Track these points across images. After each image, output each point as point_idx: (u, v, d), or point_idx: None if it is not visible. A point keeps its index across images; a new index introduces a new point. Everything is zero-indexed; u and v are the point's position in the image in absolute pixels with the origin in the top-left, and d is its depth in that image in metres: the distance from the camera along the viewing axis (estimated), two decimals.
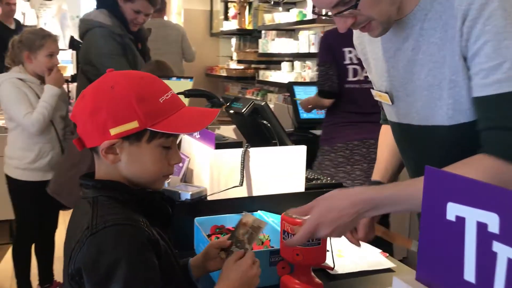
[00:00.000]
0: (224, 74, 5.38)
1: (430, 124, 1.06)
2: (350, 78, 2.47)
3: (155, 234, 0.89)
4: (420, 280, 0.62)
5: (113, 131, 0.88)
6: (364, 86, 2.42)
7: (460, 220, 0.56)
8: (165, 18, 4.78)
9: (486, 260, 0.52)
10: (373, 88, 1.27)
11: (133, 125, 0.88)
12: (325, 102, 2.55)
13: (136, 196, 0.94)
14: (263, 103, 1.57)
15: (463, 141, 1.03)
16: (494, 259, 0.51)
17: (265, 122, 1.60)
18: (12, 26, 5.00)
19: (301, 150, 1.59)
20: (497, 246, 0.51)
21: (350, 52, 2.46)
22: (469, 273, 0.55)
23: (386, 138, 1.40)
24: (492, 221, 0.51)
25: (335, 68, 2.46)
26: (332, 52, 2.48)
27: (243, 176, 1.49)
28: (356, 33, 1.27)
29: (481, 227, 0.53)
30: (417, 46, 1.05)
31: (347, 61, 2.47)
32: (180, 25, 4.54)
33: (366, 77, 1.97)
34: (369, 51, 1.22)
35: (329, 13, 1.01)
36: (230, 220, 1.50)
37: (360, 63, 2.27)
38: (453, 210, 0.57)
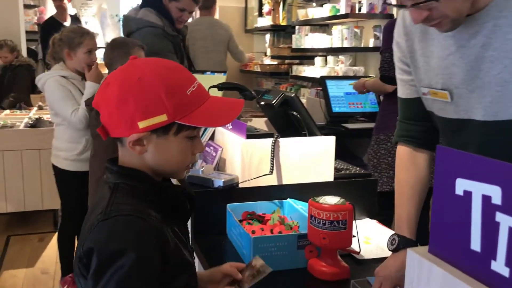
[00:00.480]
0: (258, 69, 5.43)
1: (500, 119, 1.06)
2: None
3: (164, 232, 0.89)
4: (432, 253, 0.66)
5: (142, 124, 0.87)
6: None
7: (467, 194, 0.60)
8: (216, 16, 4.84)
9: (489, 230, 0.56)
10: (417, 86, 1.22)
11: (162, 118, 0.87)
12: (388, 88, 2.55)
13: (157, 188, 0.93)
14: (293, 95, 1.63)
15: None
16: (497, 228, 0.55)
17: (295, 113, 1.65)
18: (66, 23, 5.25)
19: (330, 141, 1.64)
20: (499, 216, 0.55)
21: None
22: (475, 243, 0.59)
23: (404, 174, 1.26)
24: (495, 194, 0.55)
25: None
26: None
27: (273, 165, 1.55)
28: (402, 29, 1.22)
29: (486, 199, 0.57)
30: (487, 43, 1.04)
31: None
32: (229, 25, 4.57)
33: None
34: (419, 48, 1.19)
35: (404, 3, 1.01)
36: (260, 207, 1.56)
37: None
38: (461, 185, 0.61)
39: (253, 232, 1.40)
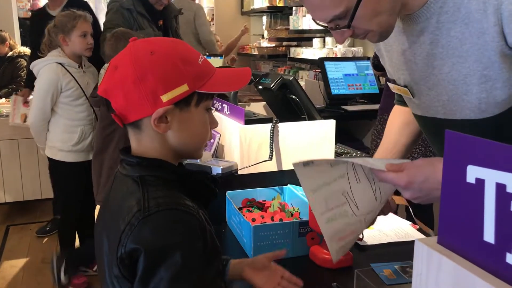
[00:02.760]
0: (256, 52, 5.37)
1: (459, 118, 1.03)
2: None
3: (203, 220, 0.85)
4: (442, 243, 0.62)
5: (165, 98, 0.83)
6: None
7: (480, 182, 0.56)
8: None
9: (504, 220, 0.53)
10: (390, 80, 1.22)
11: (184, 88, 0.84)
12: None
13: (182, 176, 0.90)
14: (291, 78, 1.58)
15: (498, 131, 1.00)
16: None
17: (293, 97, 1.61)
18: (56, 11, 5.12)
19: (330, 125, 1.60)
20: None
21: None
22: (489, 234, 0.55)
23: (395, 120, 1.34)
24: (511, 182, 0.52)
25: None
26: None
27: (272, 150, 1.51)
28: None
29: (500, 188, 0.53)
30: (435, 39, 1.00)
31: None
32: (197, 3, 4.25)
33: None
34: (382, 43, 1.16)
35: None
36: (260, 193, 1.53)
37: None
38: (473, 173, 0.57)
39: (254, 220, 1.37)
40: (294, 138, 1.56)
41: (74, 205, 2.64)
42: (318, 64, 3.17)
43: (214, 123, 0.95)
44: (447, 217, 0.62)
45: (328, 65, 3.05)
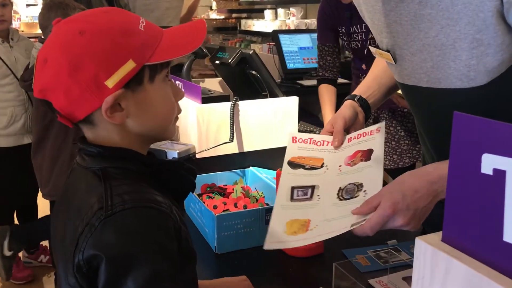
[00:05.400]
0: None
1: (444, 87, 0.94)
2: None
3: (177, 220, 0.73)
4: (447, 242, 0.54)
5: (111, 83, 0.70)
6: None
7: (499, 174, 0.48)
8: None
9: None
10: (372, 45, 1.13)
11: (130, 65, 0.71)
12: None
13: (153, 167, 0.77)
14: (251, 52, 1.46)
15: (488, 103, 0.93)
16: None
17: (254, 72, 1.49)
18: None
19: (293, 101, 1.50)
20: None
21: None
22: (509, 234, 0.47)
23: (381, 60, 1.22)
24: None
25: None
26: None
27: (233, 131, 1.40)
28: None
29: None
30: None
31: None
32: None
33: None
34: (362, 2, 1.08)
35: None
36: (220, 178, 1.42)
37: None
38: (490, 163, 0.49)
39: (215, 207, 1.26)
40: (256, 117, 1.46)
41: (7, 195, 2.42)
42: (272, 37, 3.06)
43: (179, 94, 0.82)
44: (455, 212, 0.54)
45: (283, 38, 2.94)
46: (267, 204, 1.29)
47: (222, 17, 5.02)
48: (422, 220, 0.87)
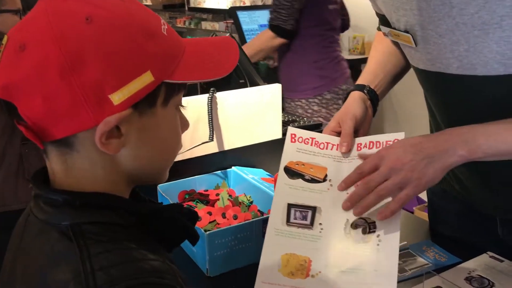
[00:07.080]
0: (149, 3, 4.85)
1: (480, 74, 0.79)
2: None
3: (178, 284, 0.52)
4: None
5: (117, 98, 0.50)
6: None
7: None
8: None
9: None
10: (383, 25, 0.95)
11: (146, 79, 0.52)
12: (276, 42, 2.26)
13: (144, 217, 0.56)
14: (227, 35, 1.27)
15: None
16: None
17: None
18: None
19: (276, 89, 1.32)
20: None
21: None
22: None
23: (381, 44, 1.07)
24: None
25: None
26: None
27: (212, 128, 1.21)
28: None
29: None
30: None
31: None
32: None
33: None
34: None
35: None
36: (200, 182, 1.24)
37: None
38: None
39: (199, 219, 1.08)
40: (236, 109, 1.27)
41: None
42: (230, 14, 2.85)
43: (184, 125, 0.63)
44: None
45: (242, 15, 2.73)
46: (260, 212, 1.12)
47: None
48: (433, 182, 0.76)
